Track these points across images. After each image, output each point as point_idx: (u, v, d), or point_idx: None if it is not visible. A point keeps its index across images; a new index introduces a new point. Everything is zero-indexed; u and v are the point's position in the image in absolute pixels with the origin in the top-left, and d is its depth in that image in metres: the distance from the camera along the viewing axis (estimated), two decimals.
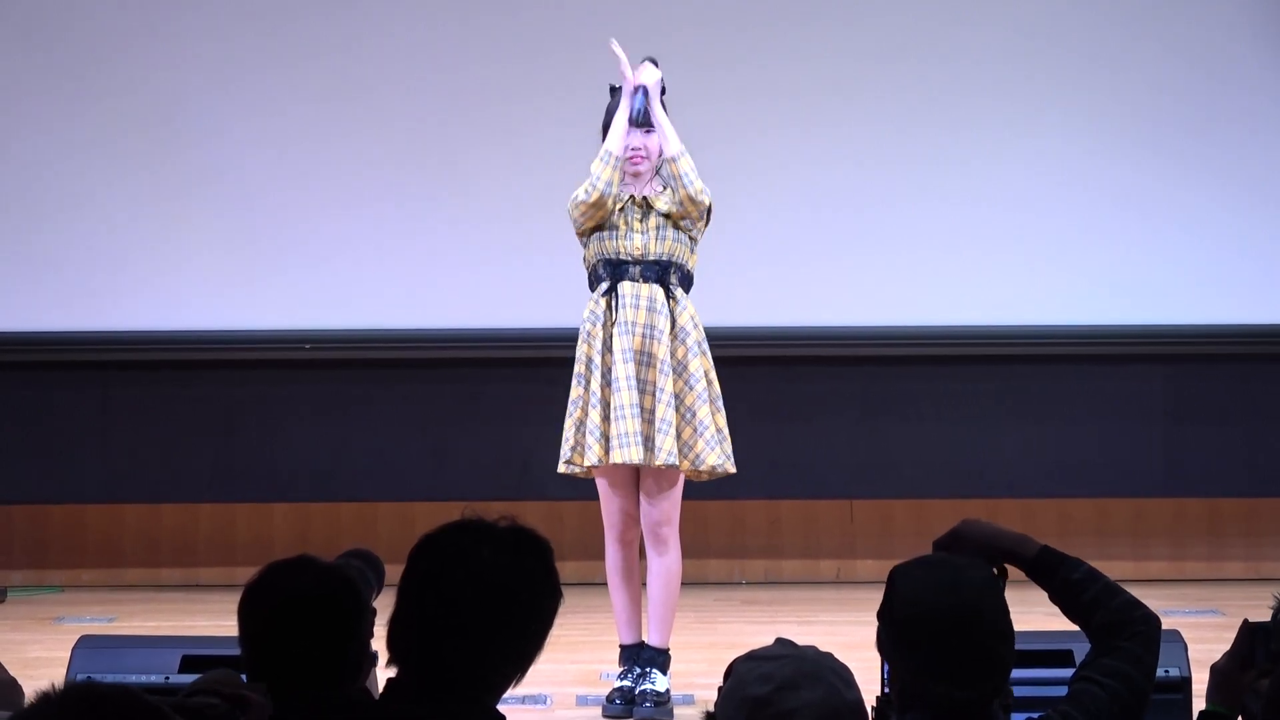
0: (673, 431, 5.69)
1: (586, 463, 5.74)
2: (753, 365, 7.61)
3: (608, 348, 5.74)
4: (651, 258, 5.77)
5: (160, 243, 7.68)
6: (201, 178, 7.67)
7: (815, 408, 7.85)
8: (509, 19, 7.69)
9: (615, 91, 5.89)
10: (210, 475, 7.85)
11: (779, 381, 7.82)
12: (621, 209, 5.81)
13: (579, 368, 5.78)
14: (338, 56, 7.68)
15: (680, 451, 5.73)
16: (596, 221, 5.79)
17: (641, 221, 5.79)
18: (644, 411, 5.70)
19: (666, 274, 5.78)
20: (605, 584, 5.92)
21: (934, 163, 7.71)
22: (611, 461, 5.69)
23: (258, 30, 7.69)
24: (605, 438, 5.69)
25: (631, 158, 5.81)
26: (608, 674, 6.02)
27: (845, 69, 7.69)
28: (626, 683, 5.82)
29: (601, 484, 5.83)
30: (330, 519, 7.98)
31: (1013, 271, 7.72)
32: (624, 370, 5.69)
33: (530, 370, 7.57)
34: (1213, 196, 7.75)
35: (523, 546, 2.83)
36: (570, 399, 5.79)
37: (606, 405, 5.70)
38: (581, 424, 5.74)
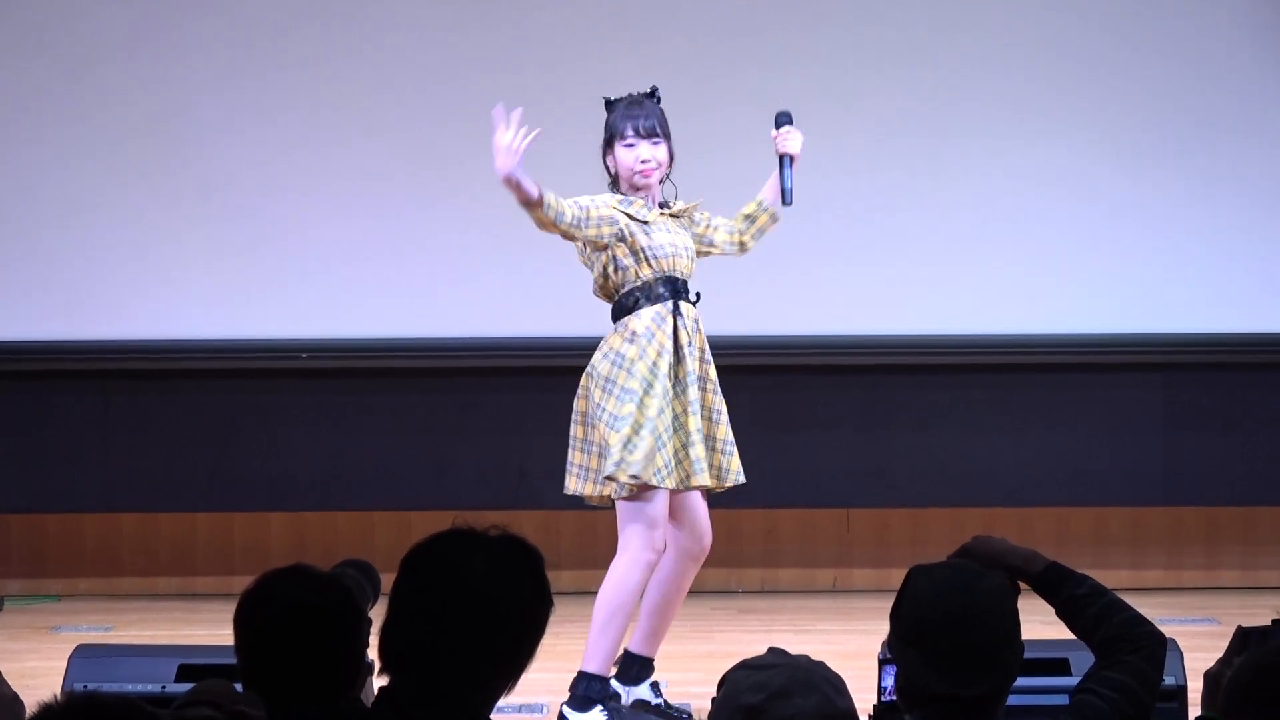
0: (736, 451, 5.57)
1: (668, 485, 5.40)
2: (750, 374, 7.60)
3: (680, 363, 5.52)
4: (688, 275, 5.65)
5: (158, 252, 7.67)
6: (200, 187, 7.66)
7: (812, 416, 7.85)
8: (507, 28, 7.69)
9: (611, 105, 5.85)
10: (207, 484, 7.85)
11: (776, 390, 7.81)
12: (650, 223, 5.60)
13: (631, 382, 5.42)
14: (336, 66, 7.68)
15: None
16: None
17: (681, 237, 5.66)
18: (706, 438, 5.53)
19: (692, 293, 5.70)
20: None
21: (931, 172, 7.71)
22: (692, 485, 5.45)
23: (256, 40, 7.69)
24: (684, 462, 5.45)
25: (642, 170, 5.71)
26: None
27: (841, 77, 7.68)
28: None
29: (659, 506, 5.44)
30: (327, 528, 7.98)
31: (1010, 280, 7.72)
32: (693, 395, 5.49)
33: (528, 380, 7.57)
34: (1211, 205, 7.75)
35: (513, 555, 2.84)
36: (616, 413, 5.41)
37: (686, 430, 5.46)
38: (630, 440, 5.36)
